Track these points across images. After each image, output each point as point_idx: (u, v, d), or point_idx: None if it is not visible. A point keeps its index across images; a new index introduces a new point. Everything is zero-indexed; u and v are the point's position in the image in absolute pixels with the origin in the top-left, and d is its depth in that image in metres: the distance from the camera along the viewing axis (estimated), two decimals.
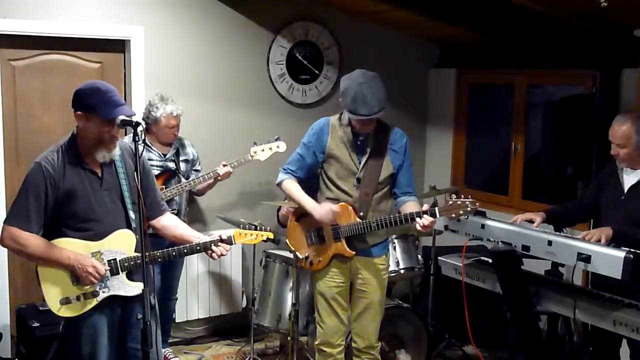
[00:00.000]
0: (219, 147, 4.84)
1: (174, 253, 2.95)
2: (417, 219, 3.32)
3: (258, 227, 4.32)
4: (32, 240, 2.79)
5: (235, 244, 3.03)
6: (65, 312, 2.84)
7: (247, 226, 3.20)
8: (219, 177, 4.36)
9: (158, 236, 3.16)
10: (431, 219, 3.29)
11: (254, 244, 4.34)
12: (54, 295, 2.82)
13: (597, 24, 4.16)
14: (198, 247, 2.96)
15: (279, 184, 3.66)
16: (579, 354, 4.19)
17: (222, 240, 2.96)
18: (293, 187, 3.59)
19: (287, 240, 3.74)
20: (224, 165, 4.37)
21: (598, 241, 3.17)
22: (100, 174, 2.87)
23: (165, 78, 4.67)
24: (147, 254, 2.69)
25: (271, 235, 3.12)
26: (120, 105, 2.78)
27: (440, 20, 4.49)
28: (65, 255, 2.78)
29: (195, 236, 3.03)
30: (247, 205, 5.08)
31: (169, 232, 3.09)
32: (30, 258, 2.84)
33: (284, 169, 3.65)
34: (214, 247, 2.95)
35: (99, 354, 2.87)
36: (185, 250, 2.96)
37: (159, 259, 2.91)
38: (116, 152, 2.88)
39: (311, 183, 3.68)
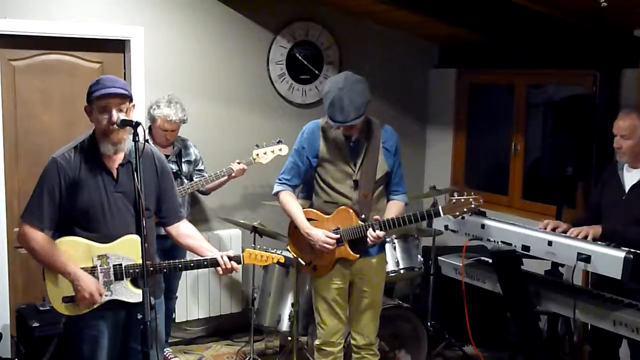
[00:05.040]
0: (218, 147, 4.84)
1: (180, 266, 2.92)
2: (370, 231, 3.37)
3: (258, 229, 4.33)
4: (41, 245, 2.77)
5: (244, 264, 2.95)
6: (66, 310, 2.84)
7: (258, 247, 3.14)
8: (233, 174, 4.36)
9: (163, 237, 3.15)
10: (382, 232, 3.36)
11: (254, 247, 4.38)
12: (57, 293, 2.82)
13: (597, 24, 4.16)
14: (205, 263, 2.91)
15: (276, 195, 3.64)
16: (579, 354, 4.19)
17: (230, 258, 2.89)
18: (289, 201, 3.58)
19: (288, 247, 3.71)
20: (239, 163, 4.36)
21: (585, 237, 3.19)
22: (115, 175, 2.83)
23: (165, 78, 4.67)
24: (153, 263, 2.66)
25: (282, 259, 3.03)
26: (109, 87, 2.74)
27: (440, 20, 4.49)
28: (67, 271, 2.76)
29: (208, 250, 2.97)
30: (248, 206, 5.08)
31: (183, 241, 3.04)
32: (36, 259, 2.83)
33: (279, 180, 3.63)
34: (220, 261, 2.88)
35: (98, 354, 2.86)
36: (192, 265, 2.92)
37: (165, 270, 2.87)
38: (124, 146, 2.80)
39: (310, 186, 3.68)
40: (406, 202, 3.65)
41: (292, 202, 3.57)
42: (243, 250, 3.01)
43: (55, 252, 2.78)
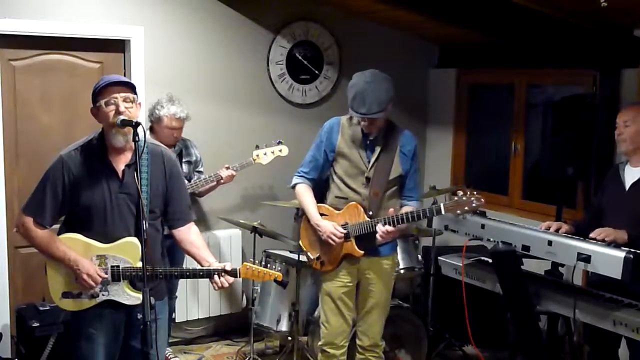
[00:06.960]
0: (218, 147, 4.84)
1: (176, 274, 2.93)
2: (379, 226, 3.36)
3: (258, 229, 4.32)
4: (40, 234, 2.81)
5: (240, 277, 2.94)
6: (64, 305, 2.86)
7: (260, 260, 3.07)
8: (222, 180, 4.35)
9: (164, 237, 3.14)
10: (391, 227, 3.35)
11: (254, 247, 4.38)
12: (57, 287, 2.84)
13: (597, 24, 4.16)
14: (201, 273, 2.90)
15: (293, 187, 3.69)
16: (579, 354, 4.19)
17: (226, 272, 2.88)
18: (304, 193, 3.63)
19: (300, 241, 3.74)
20: (227, 168, 4.36)
21: (610, 241, 3.10)
22: (121, 176, 2.82)
23: (165, 78, 4.67)
24: (149, 267, 2.67)
25: (279, 277, 2.97)
26: (111, 78, 2.76)
27: (440, 20, 4.49)
28: (66, 257, 2.78)
29: (207, 260, 2.95)
30: (248, 206, 5.08)
31: (185, 247, 3.03)
32: (37, 249, 2.87)
33: (298, 172, 3.69)
34: (216, 278, 2.88)
35: (95, 352, 2.87)
36: (188, 274, 2.93)
37: (160, 276, 2.86)
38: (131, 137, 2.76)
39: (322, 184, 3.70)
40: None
41: (306, 195, 3.63)
42: (243, 257, 2.99)
43: (53, 240, 2.81)
